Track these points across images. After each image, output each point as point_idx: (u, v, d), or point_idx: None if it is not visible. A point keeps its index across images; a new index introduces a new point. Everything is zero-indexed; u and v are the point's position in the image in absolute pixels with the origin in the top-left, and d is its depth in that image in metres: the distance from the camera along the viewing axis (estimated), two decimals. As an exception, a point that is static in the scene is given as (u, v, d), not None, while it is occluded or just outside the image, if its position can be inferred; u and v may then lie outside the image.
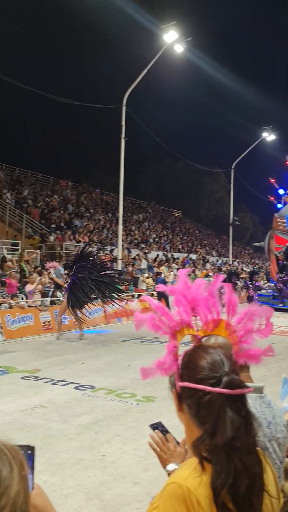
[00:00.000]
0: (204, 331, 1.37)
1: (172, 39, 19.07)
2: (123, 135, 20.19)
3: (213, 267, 30.82)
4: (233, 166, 34.95)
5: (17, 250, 18.35)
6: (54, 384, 7.27)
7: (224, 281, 1.46)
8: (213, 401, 1.12)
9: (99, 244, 23.94)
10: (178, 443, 1.63)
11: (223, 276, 1.52)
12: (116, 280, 12.95)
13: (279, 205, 26.60)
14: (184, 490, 1.08)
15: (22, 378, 7.62)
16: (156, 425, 1.73)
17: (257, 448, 1.15)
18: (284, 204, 26.09)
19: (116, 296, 12.61)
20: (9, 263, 15.04)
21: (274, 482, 1.20)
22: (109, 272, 12.71)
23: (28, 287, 13.07)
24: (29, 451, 1.05)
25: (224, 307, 1.44)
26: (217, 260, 35.71)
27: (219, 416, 1.10)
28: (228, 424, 1.08)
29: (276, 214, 25.63)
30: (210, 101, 53.49)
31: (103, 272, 12.22)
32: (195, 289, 1.41)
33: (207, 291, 1.42)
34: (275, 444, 1.62)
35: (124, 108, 20.06)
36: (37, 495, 1.05)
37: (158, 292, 17.35)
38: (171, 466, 1.55)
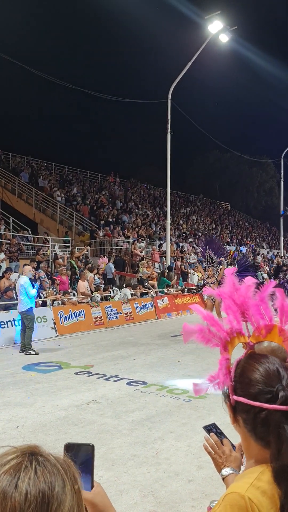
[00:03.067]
0: (256, 338, 1.31)
1: (217, 29, 18.75)
2: (169, 129, 20.10)
3: (264, 259, 30.13)
4: (282, 156, 33.93)
5: (68, 247, 18.77)
6: (106, 379, 7.39)
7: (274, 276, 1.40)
8: (270, 418, 1.07)
9: (148, 239, 24.06)
10: (233, 446, 1.59)
11: (274, 282, 1.44)
12: None
13: None
14: (246, 501, 1.05)
15: (76, 373, 7.79)
16: (210, 426, 1.69)
17: None
18: None
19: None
20: (60, 260, 15.41)
21: None
22: None
23: (81, 284, 13.30)
24: (88, 450, 1.05)
25: (277, 312, 1.36)
26: (268, 252, 34.89)
27: (279, 436, 1.05)
28: (285, 442, 1.04)
29: None
30: (257, 90, 52.15)
31: None
32: (245, 291, 1.34)
33: (258, 297, 1.34)
34: None
35: (169, 102, 19.95)
36: (97, 494, 1.05)
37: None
38: (226, 471, 1.52)
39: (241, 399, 1.14)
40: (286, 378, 1.12)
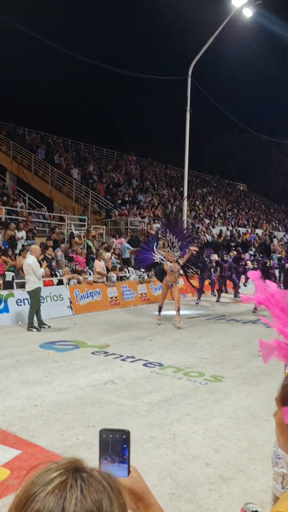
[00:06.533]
0: None
1: (241, 3, 18.16)
2: (188, 108, 19.73)
3: (280, 242, 29.81)
4: (303, 137, 33.27)
5: (84, 225, 18.74)
6: (123, 360, 7.43)
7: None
8: None
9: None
10: None
11: None
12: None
13: None
14: None
15: (93, 353, 7.85)
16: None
17: None
18: None
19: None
20: (77, 239, 15.41)
21: None
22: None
23: (97, 263, 13.31)
24: (124, 436, 1.05)
25: None
26: (284, 236, 34.50)
27: None
28: None
29: None
30: (280, 68, 50.58)
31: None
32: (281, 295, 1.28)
33: None
34: None
35: (189, 79, 19.53)
36: (135, 480, 1.04)
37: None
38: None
39: None
40: None
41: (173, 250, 10.91)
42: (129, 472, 1.04)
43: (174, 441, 4.52)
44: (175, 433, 4.70)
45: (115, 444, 1.04)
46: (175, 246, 10.96)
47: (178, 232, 11.11)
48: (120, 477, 0.99)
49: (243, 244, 15.88)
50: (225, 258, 14.48)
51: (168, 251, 10.96)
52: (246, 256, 15.27)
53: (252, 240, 26.75)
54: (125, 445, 1.05)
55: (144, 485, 1.05)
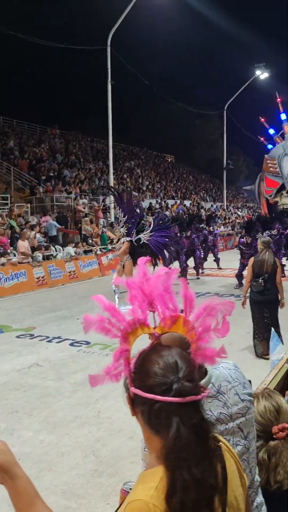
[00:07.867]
0: (161, 328, 1.25)
1: None
2: (109, 79, 19.37)
3: (208, 213, 30.61)
4: (225, 108, 33.97)
5: (6, 204, 18.00)
6: (49, 341, 7.34)
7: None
8: (163, 409, 1.06)
9: (91, 195, 23.58)
10: None
11: (178, 270, 1.34)
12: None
13: (270, 146, 25.95)
14: (150, 508, 1.01)
15: (17, 336, 7.67)
16: None
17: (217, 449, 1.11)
18: (275, 145, 25.54)
19: None
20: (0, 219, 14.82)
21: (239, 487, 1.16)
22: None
23: (21, 244, 12.88)
24: None
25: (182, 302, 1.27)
26: (212, 206, 35.45)
27: (168, 425, 1.04)
28: (172, 433, 1.03)
29: (266, 156, 25.18)
30: (202, 40, 50.60)
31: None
32: (154, 281, 1.27)
33: (162, 286, 1.26)
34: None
35: (109, 49, 19.09)
36: (0, 454, 1.08)
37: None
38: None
39: (138, 391, 1.11)
40: (183, 370, 1.10)
41: (118, 225, 9.91)
42: None
43: (99, 418, 4.58)
44: (100, 410, 4.76)
45: None
46: (121, 221, 9.85)
47: (125, 207, 9.91)
48: None
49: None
50: (188, 235, 13.94)
51: (116, 228, 9.98)
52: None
53: (180, 211, 27.21)
54: None
55: (11, 458, 1.09)
